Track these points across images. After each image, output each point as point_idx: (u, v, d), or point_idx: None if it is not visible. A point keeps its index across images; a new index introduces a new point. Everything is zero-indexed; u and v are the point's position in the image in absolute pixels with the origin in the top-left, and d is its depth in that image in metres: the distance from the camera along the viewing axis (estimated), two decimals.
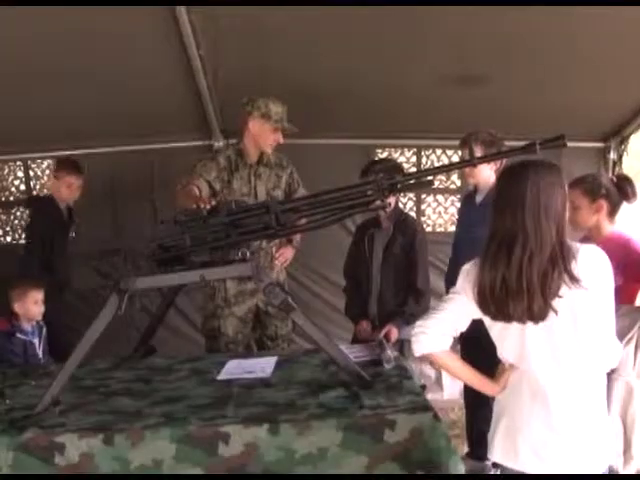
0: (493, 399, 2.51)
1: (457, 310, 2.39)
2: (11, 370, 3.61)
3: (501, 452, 2.41)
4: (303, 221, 3.05)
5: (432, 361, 2.45)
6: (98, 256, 4.68)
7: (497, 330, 2.38)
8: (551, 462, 2.31)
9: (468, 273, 2.39)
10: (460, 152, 5.48)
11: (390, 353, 3.22)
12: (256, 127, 4.19)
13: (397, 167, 4.29)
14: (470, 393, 4.17)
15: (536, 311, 2.24)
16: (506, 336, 2.36)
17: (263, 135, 4.20)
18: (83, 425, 2.60)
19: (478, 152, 3.80)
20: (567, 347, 2.27)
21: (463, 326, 2.41)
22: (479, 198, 4.08)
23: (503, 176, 2.42)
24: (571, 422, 2.30)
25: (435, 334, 2.38)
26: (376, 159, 4.43)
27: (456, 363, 2.47)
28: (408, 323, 3.81)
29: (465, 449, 4.23)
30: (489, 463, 4.11)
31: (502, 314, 2.28)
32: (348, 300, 4.30)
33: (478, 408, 4.09)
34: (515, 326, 2.30)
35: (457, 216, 4.80)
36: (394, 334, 3.93)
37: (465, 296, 2.37)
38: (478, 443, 4.13)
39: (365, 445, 2.51)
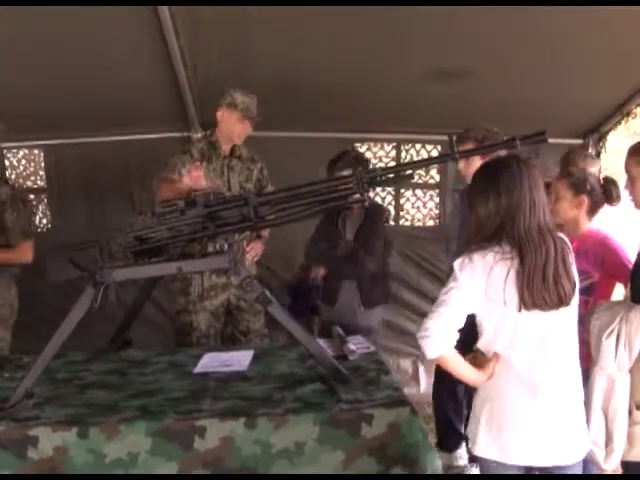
0: (461, 389, 2.55)
1: (459, 306, 2.39)
2: None
3: (485, 445, 2.43)
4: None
5: (439, 363, 2.44)
6: (74, 248, 4.63)
7: (493, 320, 2.41)
8: (537, 451, 2.37)
9: (471, 267, 2.38)
10: (440, 147, 5.53)
11: (352, 346, 3.25)
12: (224, 117, 4.20)
13: (362, 159, 4.36)
14: (438, 383, 4.23)
15: (565, 296, 2.36)
16: (502, 326, 2.40)
17: (230, 125, 4.21)
18: (57, 418, 2.58)
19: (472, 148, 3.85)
20: (556, 334, 2.40)
21: (463, 322, 2.41)
22: None
23: (493, 167, 2.47)
24: (557, 410, 2.38)
25: (442, 335, 2.36)
26: (344, 151, 4.42)
27: (463, 363, 2.44)
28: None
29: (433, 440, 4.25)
30: (458, 453, 4.16)
31: (537, 302, 2.34)
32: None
33: (447, 398, 4.15)
34: (512, 315, 2.36)
35: (436, 211, 4.83)
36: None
37: (467, 291, 2.38)
38: (446, 433, 4.20)
39: (342, 440, 2.51)
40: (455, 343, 2.36)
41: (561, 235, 2.44)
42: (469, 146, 3.80)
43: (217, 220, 2.82)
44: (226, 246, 2.83)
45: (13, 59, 4.21)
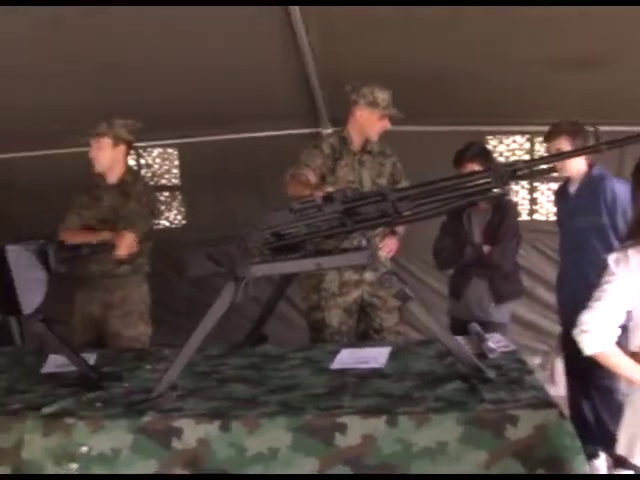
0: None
1: (616, 301, 2.30)
2: (127, 354, 3.68)
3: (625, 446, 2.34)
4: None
5: (600, 360, 2.35)
6: (211, 244, 4.72)
7: None
8: None
9: (626, 262, 2.29)
10: None
11: (491, 344, 3.16)
12: (364, 115, 4.17)
13: (489, 151, 4.29)
14: (573, 384, 4.09)
15: None
16: None
17: (370, 123, 4.17)
18: (200, 411, 2.62)
19: (564, 143, 3.88)
20: None
21: (622, 318, 2.32)
22: (573, 188, 4.12)
23: None
24: None
25: (601, 331, 2.28)
26: (470, 143, 4.35)
27: (626, 361, 2.35)
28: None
29: None
30: (596, 464, 3.98)
31: None
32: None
33: (583, 399, 4.00)
34: None
35: None
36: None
37: (623, 285, 2.30)
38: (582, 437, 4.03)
39: (486, 440, 2.44)
40: (616, 339, 2.27)
41: None
42: (562, 141, 3.80)
43: (355, 216, 2.79)
44: (364, 242, 2.80)
45: (147, 60, 4.32)
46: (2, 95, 4.63)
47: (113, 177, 4.40)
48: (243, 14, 3.95)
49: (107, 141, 4.30)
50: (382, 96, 4.12)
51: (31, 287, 2.98)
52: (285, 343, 3.74)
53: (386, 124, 4.19)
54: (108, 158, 4.33)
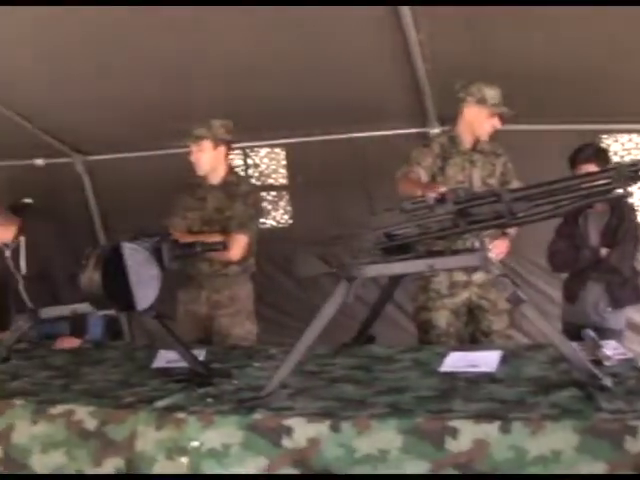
0: None
1: None
2: (235, 351, 3.73)
3: None
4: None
5: None
6: (321, 244, 4.75)
7: None
8: None
9: None
10: None
11: (607, 351, 3.03)
12: (472, 114, 4.10)
13: (605, 152, 4.15)
14: None
15: None
16: None
17: (479, 121, 4.10)
18: (310, 410, 2.62)
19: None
20: None
21: None
22: None
23: None
24: None
25: None
26: (585, 144, 4.22)
27: None
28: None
29: None
30: None
31: None
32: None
33: None
34: None
35: None
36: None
37: None
38: None
39: (603, 451, 2.34)
40: None
41: None
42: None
43: (468, 217, 2.74)
44: (477, 243, 2.75)
45: (255, 61, 4.37)
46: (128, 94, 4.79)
47: (216, 178, 4.43)
48: (353, 14, 3.95)
49: (207, 143, 4.32)
50: (491, 93, 4.04)
51: (145, 283, 3.06)
52: (391, 344, 3.71)
53: (495, 122, 4.10)
54: (209, 160, 4.36)
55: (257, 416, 2.61)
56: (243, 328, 4.45)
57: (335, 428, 2.50)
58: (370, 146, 5.35)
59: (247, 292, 4.53)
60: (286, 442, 2.55)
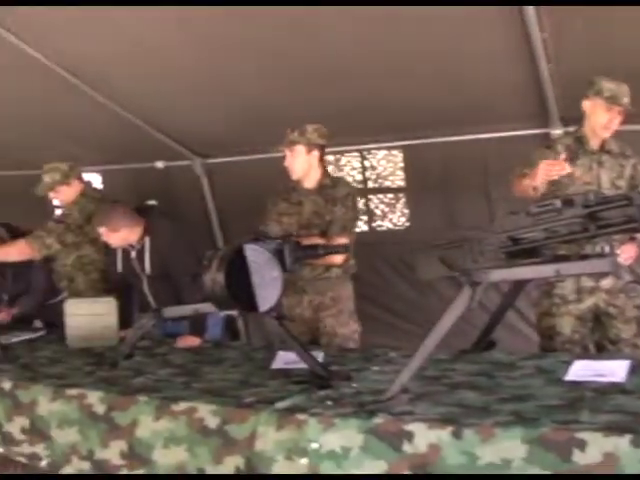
0: None
1: None
2: (352, 354, 3.72)
3: None
4: None
5: None
6: (442, 247, 4.69)
7: None
8: None
9: None
10: None
11: None
12: (588, 106, 3.98)
13: None
14: None
15: None
16: None
17: (595, 113, 3.96)
18: (431, 415, 2.58)
19: None
20: None
21: None
22: None
23: None
24: None
25: None
26: None
27: None
28: None
29: None
30: None
31: None
32: None
33: None
34: None
35: None
36: None
37: None
38: None
39: None
40: None
41: None
42: None
43: (598, 221, 2.64)
44: (607, 248, 2.64)
45: (370, 64, 4.35)
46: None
47: (311, 182, 4.45)
48: (473, 14, 3.88)
49: (300, 148, 4.35)
50: (608, 86, 3.88)
51: (267, 285, 3.09)
52: (512, 351, 3.62)
53: (614, 117, 3.94)
54: (303, 164, 4.38)
55: (378, 420, 2.59)
56: (348, 328, 4.48)
57: (457, 435, 2.46)
58: (490, 147, 5.24)
59: (348, 293, 4.55)
60: (406, 447, 2.52)
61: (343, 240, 4.21)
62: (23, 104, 5.57)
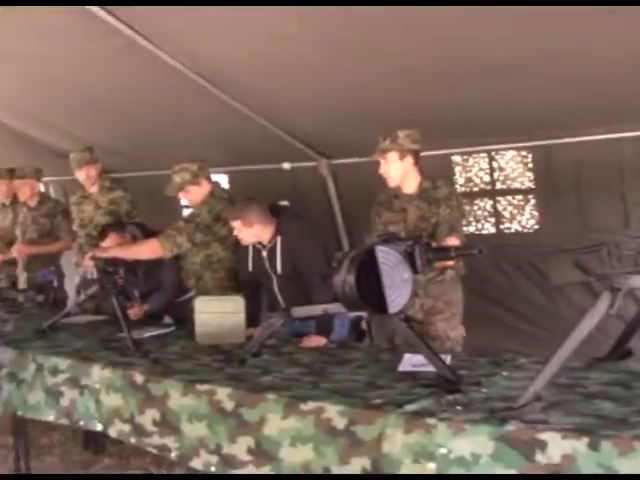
0: None
1: None
2: (480, 359, 3.65)
3: None
4: None
5: None
6: (577, 251, 4.58)
7: None
8: None
9: None
10: None
11: None
12: None
13: None
14: None
15: None
16: None
17: None
18: (566, 425, 2.50)
19: None
20: None
21: None
22: None
23: None
24: None
25: None
26: None
27: None
28: None
29: None
30: None
31: None
32: None
33: None
34: None
35: None
36: None
37: None
38: None
39: None
40: None
41: None
42: None
43: None
44: None
45: (501, 65, 4.26)
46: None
47: (411, 187, 4.45)
48: (612, 14, 3.74)
49: (393, 155, 4.36)
50: None
51: (397, 287, 3.07)
52: None
53: None
54: (398, 171, 4.39)
55: (510, 427, 2.54)
56: (457, 331, 4.48)
57: (594, 446, 2.37)
58: (627, 147, 5.02)
59: (459, 296, 4.54)
60: (539, 457, 2.45)
61: (453, 241, 4.16)
62: (154, 106, 5.77)
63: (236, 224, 4.48)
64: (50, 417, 4.11)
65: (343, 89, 4.93)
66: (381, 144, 4.38)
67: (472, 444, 2.58)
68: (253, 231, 4.47)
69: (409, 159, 4.37)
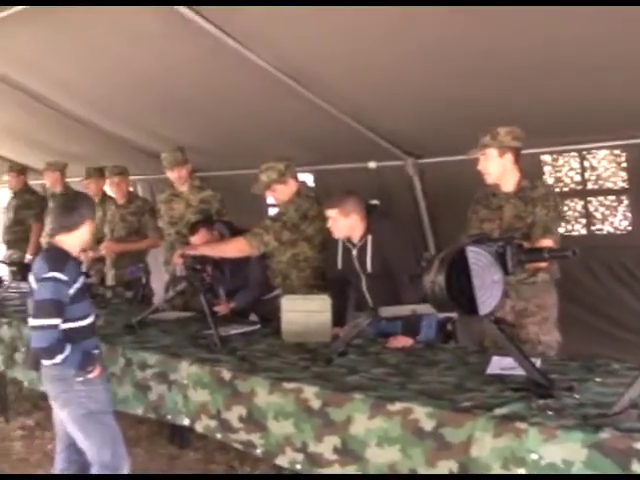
0: None
1: None
2: (572, 363, 3.57)
3: None
4: None
5: None
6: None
7: None
8: None
9: None
10: None
11: None
12: None
13: None
14: None
15: None
16: None
17: None
18: None
19: None
20: None
21: None
22: None
23: None
24: None
25: None
26: None
27: None
28: None
29: None
30: None
31: None
32: None
33: None
34: None
35: None
36: None
37: None
38: None
39: None
40: None
41: None
42: None
43: None
44: None
45: (593, 60, 4.15)
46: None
47: (509, 185, 4.35)
48: None
49: (492, 152, 4.26)
50: None
51: (488, 288, 3.03)
52: None
53: None
54: (497, 168, 4.29)
55: (604, 435, 2.48)
56: (551, 336, 4.35)
57: None
58: None
59: (553, 300, 4.41)
60: (635, 466, 2.40)
61: (547, 242, 4.06)
62: (241, 106, 5.82)
63: (332, 213, 4.45)
64: (138, 411, 4.21)
65: (430, 89, 4.88)
66: (481, 140, 4.31)
67: (564, 451, 2.53)
68: (349, 222, 4.45)
69: (509, 156, 4.28)
